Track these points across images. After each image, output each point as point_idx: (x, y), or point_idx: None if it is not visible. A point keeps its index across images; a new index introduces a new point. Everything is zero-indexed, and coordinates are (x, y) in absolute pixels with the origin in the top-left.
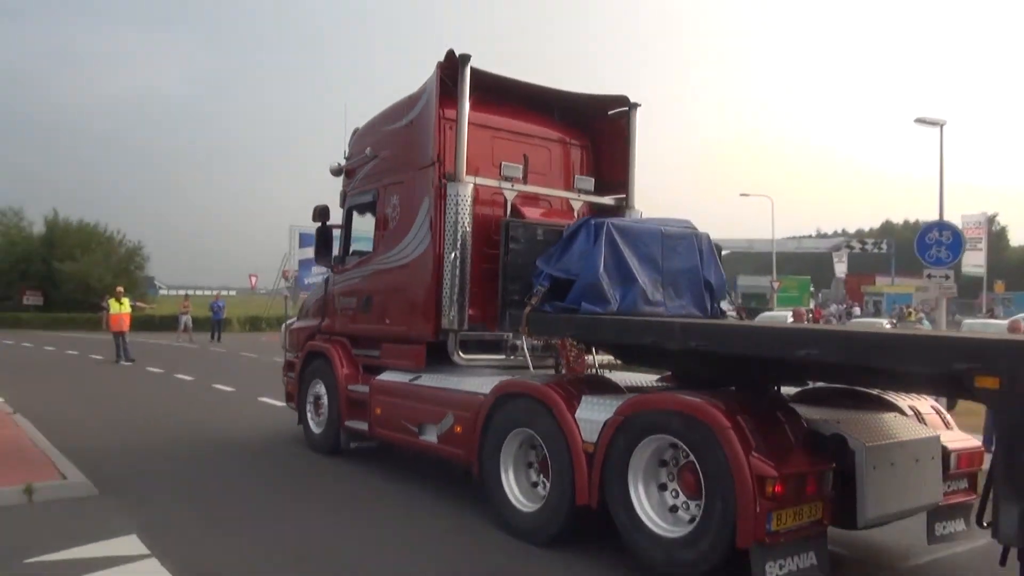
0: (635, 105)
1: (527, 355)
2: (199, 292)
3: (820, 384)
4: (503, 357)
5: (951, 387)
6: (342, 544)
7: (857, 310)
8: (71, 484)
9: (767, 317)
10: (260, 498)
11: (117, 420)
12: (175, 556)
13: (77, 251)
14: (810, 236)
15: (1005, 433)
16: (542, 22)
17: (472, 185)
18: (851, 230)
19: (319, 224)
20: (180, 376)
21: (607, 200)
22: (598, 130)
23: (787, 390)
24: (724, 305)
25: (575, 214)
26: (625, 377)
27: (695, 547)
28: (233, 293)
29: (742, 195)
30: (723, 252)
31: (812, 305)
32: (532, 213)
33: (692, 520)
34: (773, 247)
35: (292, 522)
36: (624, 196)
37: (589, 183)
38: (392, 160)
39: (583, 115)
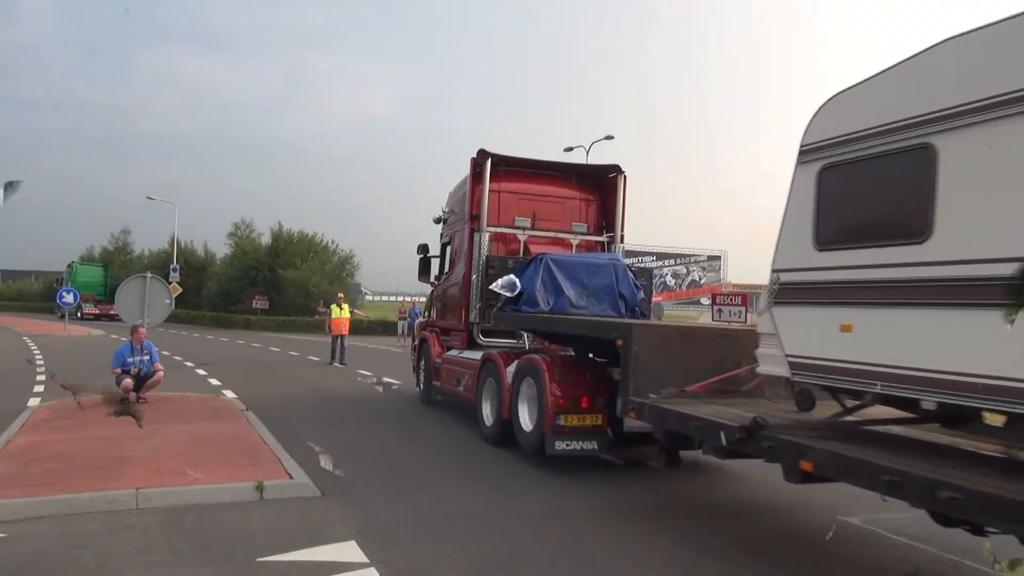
0: (623, 172)
1: (526, 340)
2: (399, 299)
3: None
4: (513, 341)
5: (616, 347)
6: None
7: None
8: (297, 484)
9: None
10: (471, 502)
11: (333, 420)
12: (392, 566)
13: (298, 259)
14: None
15: (623, 368)
16: None
17: (489, 233)
18: None
19: (421, 256)
20: (387, 379)
21: (600, 238)
22: (605, 188)
23: None
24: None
25: (573, 248)
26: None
27: (533, 434)
28: None
29: None
30: None
31: None
32: (537, 248)
33: None
34: None
35: (501, 535)
36: (612, 234)
37: (583, 227)
38: (457, 215)
39: (594, 178)
